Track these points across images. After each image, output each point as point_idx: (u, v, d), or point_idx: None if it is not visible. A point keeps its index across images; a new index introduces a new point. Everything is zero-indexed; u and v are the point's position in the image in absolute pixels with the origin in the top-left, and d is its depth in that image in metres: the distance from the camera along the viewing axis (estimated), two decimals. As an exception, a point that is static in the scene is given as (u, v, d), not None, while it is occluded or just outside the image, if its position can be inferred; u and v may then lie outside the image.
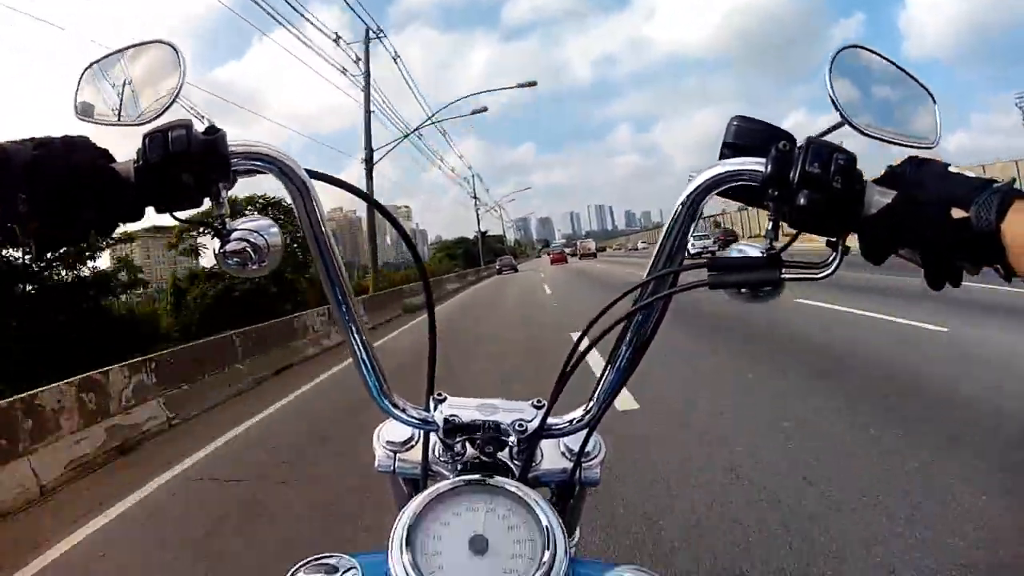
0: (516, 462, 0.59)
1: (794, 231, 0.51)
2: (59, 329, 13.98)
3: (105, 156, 0.50)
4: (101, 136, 0.52)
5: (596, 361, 0.64)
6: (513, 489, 0.53)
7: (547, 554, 0.49)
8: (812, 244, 0.51)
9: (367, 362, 0.60)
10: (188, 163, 0.49)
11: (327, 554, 0.53)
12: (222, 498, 3.68)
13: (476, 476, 0.55)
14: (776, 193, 0.48)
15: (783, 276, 0.50)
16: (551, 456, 0.63)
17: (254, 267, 0.54)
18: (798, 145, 0.49)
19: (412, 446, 0.65)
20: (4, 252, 13.81)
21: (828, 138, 0.49)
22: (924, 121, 0.55)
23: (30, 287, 15.02)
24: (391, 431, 0.66)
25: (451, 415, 0.58)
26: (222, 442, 4.95)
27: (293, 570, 0.51)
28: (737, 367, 5.13)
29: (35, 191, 0.47)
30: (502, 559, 0.50)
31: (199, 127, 0.50)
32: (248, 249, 0.54)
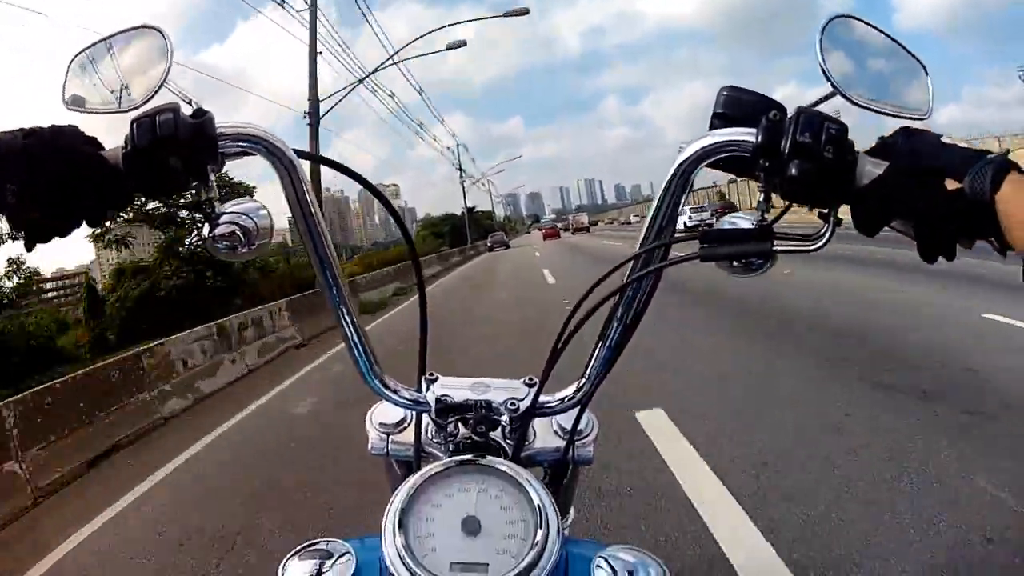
0: (509, 441, 0.59)
1: (785, 202, 0.50)
2: None
3: (93, 144, 0.50)
4: (92, 125, 0.52)
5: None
6: (505, 469, 0.53)
7: (540, 534, 0.49)
8: (799, 217, 0.52)
9: (358, 344, 0.60)
10: (176, 147, 0.48)
11: (321, 539, 0.53)
12: None
13: (468, 457, 0.54)
14: (767, 164, 0.48)
15: (775, 248, 0.50)
16: (544, 435, 0.63)
17: (244, 250, 0.54)
18: (788, 115, 0.48)
19: (405, 428, 0.64)
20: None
21: (819, 109, 0.49)
22: (916, 92, 0.54)
23: None
24: (383, 413, 0.65)
25: (443, 395, 0.58)
26: None
27: (288, 558, 0.51)
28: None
29: (24, 181, 0.47)
30: (495, 540, 0.50)
31: (187, 110, 0.50)
32: (238, 232, 0.54)
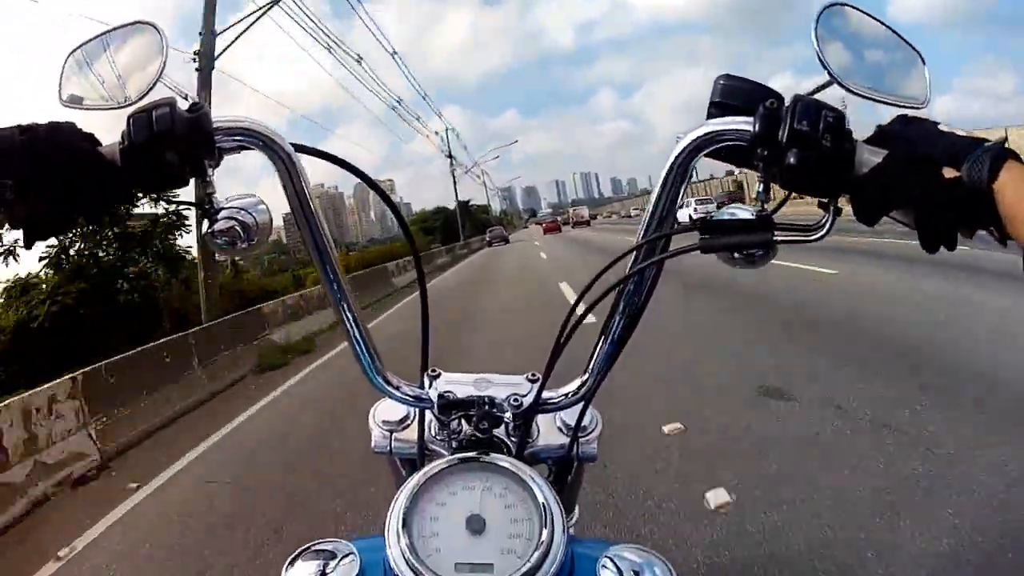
0: (512, 438, 0.58)
1: (785, 192, 0.50)
2: None
3: (90, 140, 0.50)
4: (89, 121, 0.52)
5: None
6: (509, 467, 0.52)
7: (545, 533, 0.48)
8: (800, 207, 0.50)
9: (360, 340, 0.59)
10: (173, 142, 0.48)
11: (324, 540, 0.52)
12: None
13: (471, 454, 0.54)
14: (765, 153, 0.48)
15: (775, 238, 0.50)
16: (547, 431, 0.62)
17: (243, 246, 0.54)
18: (786, 104, 0.48)
19: (408, 425, 0.64)
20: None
21: (817, 97, 0.48)
22: (913, 81, 0.54)
23: None
24: (386, 410, 0.65)
25: (445, 391, 0.58)
26: None
27: (291, 559, 0.51)
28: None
29: (22, 178, 0.47)
30: (500, 539, 0.49)
31: (183, 105, 0.49)
32: (236, 228, 0.53)
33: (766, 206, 0.51)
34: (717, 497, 2.33)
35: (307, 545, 0.52)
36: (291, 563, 0.51)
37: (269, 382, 6.39)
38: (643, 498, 2.49)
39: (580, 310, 0.55)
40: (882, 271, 6.88)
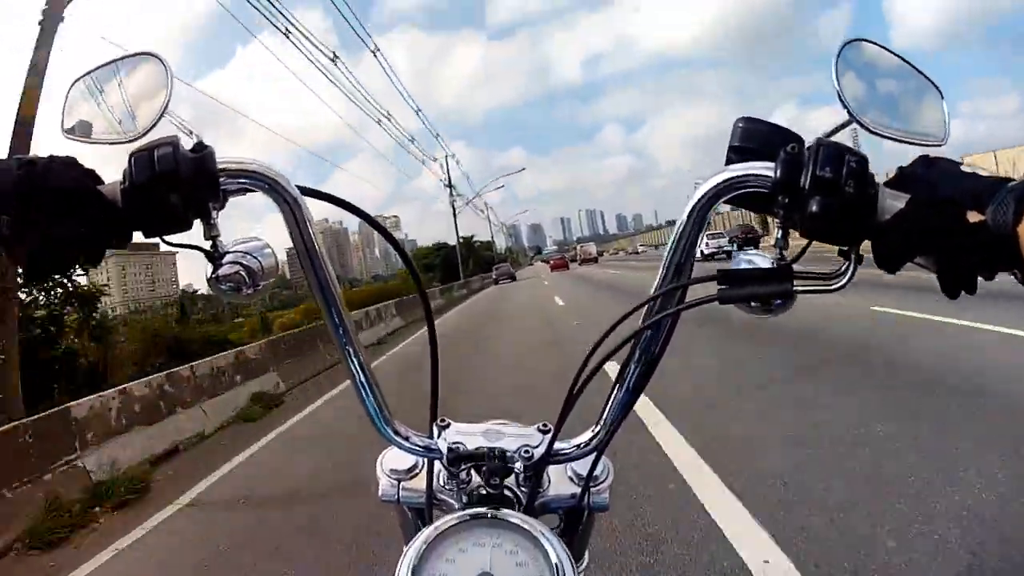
0: (523, 489, 0.57)
1: (805, 239, 0.49)
2: None
3: (92, 177, 0.49)
4: (91, 151, 0.51)
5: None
6: (520, 523, 0.51)
7: None
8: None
9: (366, 385, 0.57)
10: (176, 184, 0.47)
11: None
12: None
13: (481, 510, 0.53)
14: (786, 200, 0.46)
15: (795, 289, 0.48)
16: (558, 481, 0.61)
17: (248, 291, 0.53)
18: (807, 146, 0.47)
19: (416, 474, 0.62)
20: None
21: (836, 138, 0.47)
22: (932, 117, 0.53)
23: None
24: (394, 459, 0.63)
25: (455, 443, 0.57)
26: None
27: None
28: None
29: (18, 214, 0.45)
30: None
31: (187, 143, 0.49)
32: (242, 272, 0.53)
33: (784, 253, 0.49)
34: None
35: None
36: None
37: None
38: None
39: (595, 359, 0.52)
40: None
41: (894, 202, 0.45)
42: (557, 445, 0.57)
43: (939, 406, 3.51)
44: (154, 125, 0.51)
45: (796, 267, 0.49)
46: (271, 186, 0.51)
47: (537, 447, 0.56)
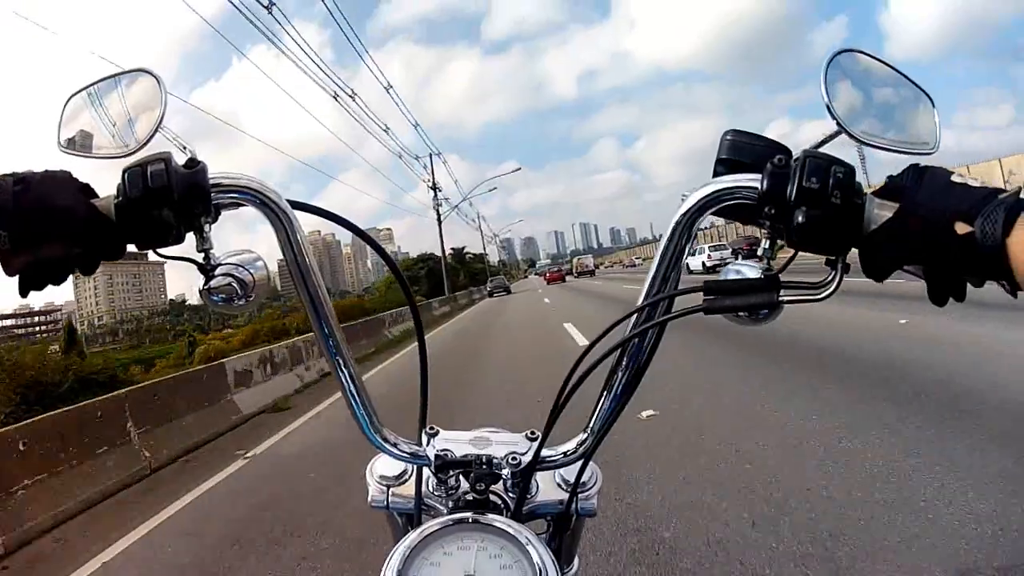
0: (511, 495, 0.58)
1: (792, 249, 0.49)
2: None
3: (86, 191, 0.49)
4: (87, 162, 0.51)
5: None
6: (504, 527, 0.52)
7: None
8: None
9: (356, 395, 0.58)
10: (168, 199, 0.48)
11: None
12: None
13: (466, 514, 0.53)
14: (772, 211, 0.47)
15: (781, 299, 0.49)
16: (546, 487, 0.62)
17: (240, 303, 0.54)
18: (794, 158, 0.47)
19: (405, 480, 0.63)
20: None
21: (825, 148, 0.48)
22: (923, 126, 0.52)
23: None
24: (384, 465, 0.64)
25: (443, 450, 0.57)
26: None
27: None
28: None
29: (14, 229, 0.46)
30: None
31: (180, 158, 0.49)
32: (233, 284, 0.53)
33: (771, 263, 0.50)
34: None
35: None
36: None
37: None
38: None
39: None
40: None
41: (882, 212, 0.45)
42: (544, 452, 0.58)
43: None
44: (148, 140, 0.52)
45: (783, 277, 0.50)
46: (262, 200, 0.52)
47: (524, 454, 0.57)
